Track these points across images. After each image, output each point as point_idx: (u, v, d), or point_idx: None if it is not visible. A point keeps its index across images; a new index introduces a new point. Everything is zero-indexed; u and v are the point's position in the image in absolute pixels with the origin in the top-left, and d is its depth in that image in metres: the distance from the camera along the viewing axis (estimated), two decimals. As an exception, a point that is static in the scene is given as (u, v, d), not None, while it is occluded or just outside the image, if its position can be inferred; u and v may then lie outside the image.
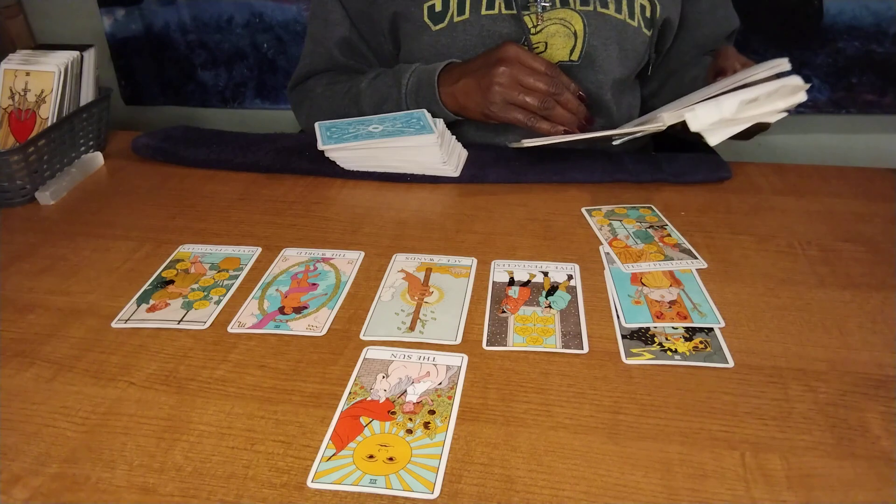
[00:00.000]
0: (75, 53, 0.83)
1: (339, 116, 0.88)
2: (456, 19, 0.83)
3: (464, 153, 0.81)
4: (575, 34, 0.83)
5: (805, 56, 1.24)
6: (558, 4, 0.83)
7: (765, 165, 0.80)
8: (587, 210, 0.71)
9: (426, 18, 0.84)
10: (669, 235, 0.65)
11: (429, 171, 0.77)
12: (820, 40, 1.22)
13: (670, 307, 0.55)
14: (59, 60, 0.81)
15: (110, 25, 1.41)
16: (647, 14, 0.84)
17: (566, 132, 0.77)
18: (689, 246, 0.64)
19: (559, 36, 0.83)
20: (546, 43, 0.83)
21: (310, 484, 0.41)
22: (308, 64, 0.95)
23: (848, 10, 1.20)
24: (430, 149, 0.76)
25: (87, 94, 0.87)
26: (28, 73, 0.81)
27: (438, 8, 0.83)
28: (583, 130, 0.78)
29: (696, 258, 0.62)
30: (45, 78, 0.81)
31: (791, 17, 1.21)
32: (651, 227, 0.67)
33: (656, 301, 0.56)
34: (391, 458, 0.42)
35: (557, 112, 0.76)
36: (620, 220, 0.68)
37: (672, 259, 0.62)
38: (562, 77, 0.76)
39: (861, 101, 1.27)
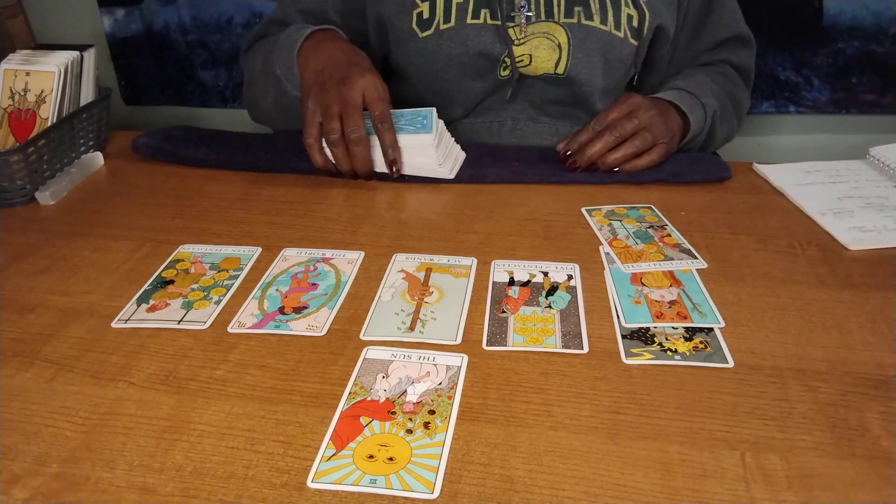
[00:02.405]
0: (75, 53, 0.83)
1: (253, 77, 0.87)
2: (442, 27, 0.83)
3: (461, 155, 0.81)
4: (559, 47, 0.82)
5: (805, 56, 1.24)
6: (543, 17, 0.83)
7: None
8: (587, 210, 0.71)
9: (414, 25, 0.84)
10: (669, 235, 0.65)
11: (423, 173, 0.77)
12: (820, 40, 1.22)
13: (670, 307, 0.55)
14: (59, 60, 0.81)
15: (110, 25, 1.41)
16: (635, 24, 0.84)
17: (336, 170, 0.76)
18: (689, 246, 0.64)
19: (543, 49, 0.83)
20: (530, 56, 0.83)
21: (310, 484, 0.41)
22: (252, 32, 0.93)
23: (848, 10, 1.19)
24: (427, 149, 0.75)
25: (87, 94, 0.87)
26: (28, 73, 0.81)
27: (426, 15, 0.83)
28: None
29: (696, 258, 0.62)
30: (45, 78, 0.81)
31: (791, 17, 1.21)
32: (651, 227, 0.67)
33: (656, 301, 0.56)
34: (391, 458, 0.42)
35: (339, 152, 0.74)
36: (620, 220, 0.68)
37: (672, 259, 0.62)
38: (359, 131, 0.73)
39: (861, 101, 1.27)
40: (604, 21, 0.82)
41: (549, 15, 0.82)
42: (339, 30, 0.82)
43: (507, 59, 0.83)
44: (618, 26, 0.83)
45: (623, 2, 0.83)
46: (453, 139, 0.81)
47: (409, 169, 0.77)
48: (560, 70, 0.83)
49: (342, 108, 0.72)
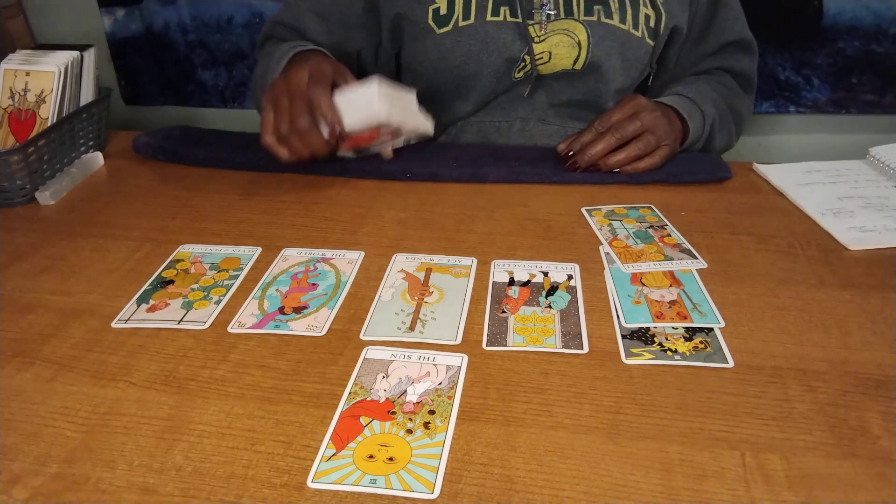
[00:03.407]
0: (75, 53, 0.83)
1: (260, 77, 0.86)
2: (461, 24, 0.83)
3: (428, 121, 0.77)
4: (579, 44, 0.83)
5: (805, 56, 1.24)
6: (563, 14, 0.83)
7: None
8: (587, 210, 0.71)
9: (430, 21, 0.83)
10: (669, 235, 0.65)
11: (367, 121, 0.71)
12: (820, 40, 1.22)
13: (670, 307, 0.55)
14: (59, 60, 0.81)
15: (110, 25, 1.41)
16: (652, 24, 0.84)
17: (299, 158, 0.72)
18: (689, 246, 0.64)
19: (563, 46, 0.83)
20: (550, 53, 0.83)
21: (310, 484, 0.41)
22: (270, 27, 0.92)
23: (848, 10, 1.19)
24: (370, 95, 0.71)
25: (87, 94, 0.87)
26: (28, 73, 0.81)
27: (444, 11, 0.83)
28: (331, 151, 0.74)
29: (696, 258, 0.62)
30: (45, 78, 0.81)
31: (791, 17, 1.21)
32: (651, 227, 0.67)
33: (656, 301, 0.56)
34: (391, 458, 0.42)
35: (293, 141, 0.71)
36: (620, 220, 0.68)
37: (672, 259, 0.62)
38: (315, 106, 0.70)
39: (861, 101, 1.27)
40: (623, 20, 0.83)
41: (569, 13, 0.83)
42: (324, 49, 0.82)
43: (526, 58, 0.83)
44: (636, 26, 0.83)
45: (641, 2, 0.83)
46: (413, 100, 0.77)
47: (354, 123, 0.71)
48: (578, 66, 0.84)
49: (289, 98, 0.71)
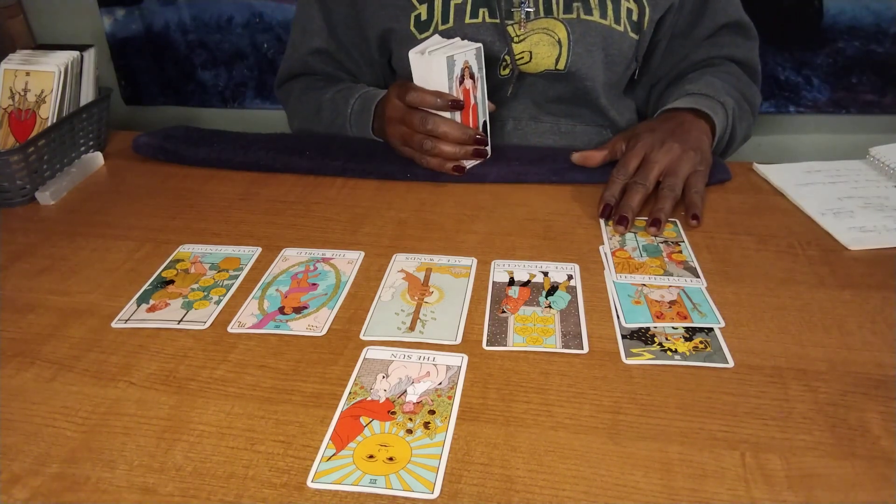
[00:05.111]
0: (75, 53, 0.83)
1: (309, 123, 0.91)
2: (440, 28, 0.83)
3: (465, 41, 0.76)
4: (559, 42, 0.82)
5: (805, 56, 1.24)
6: (542, 13, 0.82)
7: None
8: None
9: (412, 27, 0.84)
10: (680, 252, 0.63)
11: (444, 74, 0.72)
12: (820, 40, 1.22)
13: (670, 307, 0.55)
14: (59, 60, 0.81)
15: (110, 25, 1.41)
16: (634, 18, 0.84)
17: (457, 167, 0.76)
18: (695, 264, 0.61)
19: (543, 45, 0.83)
20: (530, 52, 0.83)
21: (310, 484, 0.41)
22: (287, 67, 0.96)
23: (848, 10, 1.19)
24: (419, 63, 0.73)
25: (87, 94, 0.87)
26: (28, 73, 0.81)
27: (424, 17, 0.83)
28: (480, 156, 0.77)
29: (696, 277, 0.59)
30: (45, 78, 0.81)
31: (791, 17, 1.21)
32: (665, 241, 0.65)
33: (656, 301, 0.56)
34: (391, 458, 0.42)
35: (438, 149, 0.75)
36: (634, 233, 0.66)
37: (671, 275, 0.59)
38: (437, 111, 0.73)
39: (861, 101, 1.27)
40: (603, 15, 0.82)
41: (548, 11, 0.82)
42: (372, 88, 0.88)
43: (506, 57, 0.83)
44: (617, 20, 0.83)
45: None
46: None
47: (443, 86, 0.73)
48: (560, 66, 0.83)
49: (404, 123, 0.76)
